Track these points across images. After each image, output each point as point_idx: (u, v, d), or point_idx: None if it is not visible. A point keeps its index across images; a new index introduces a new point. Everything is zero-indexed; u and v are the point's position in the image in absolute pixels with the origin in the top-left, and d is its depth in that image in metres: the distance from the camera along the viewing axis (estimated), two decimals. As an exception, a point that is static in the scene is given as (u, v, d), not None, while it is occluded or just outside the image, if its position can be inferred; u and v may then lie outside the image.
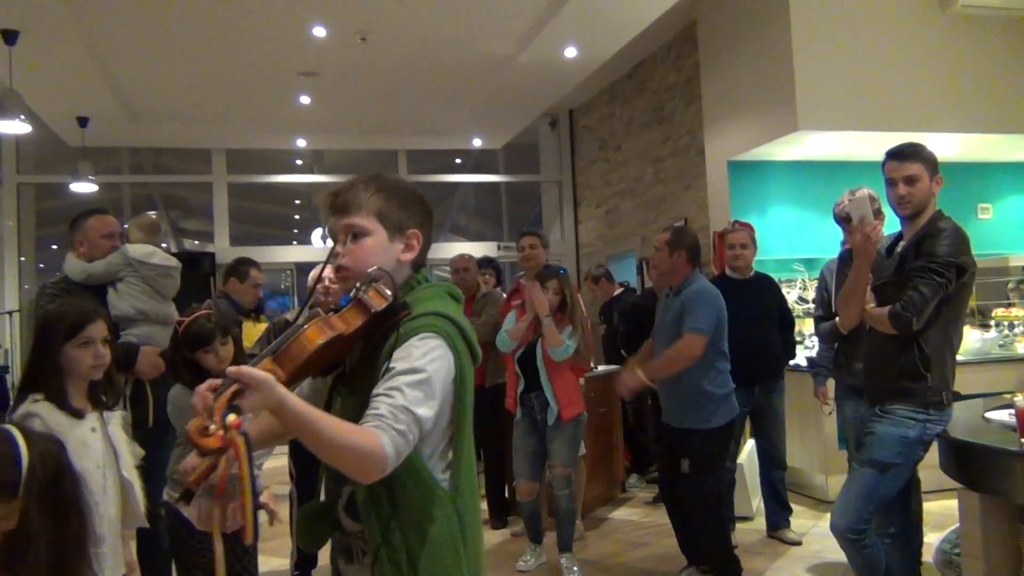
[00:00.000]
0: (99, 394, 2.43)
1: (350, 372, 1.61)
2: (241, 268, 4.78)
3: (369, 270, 1.58)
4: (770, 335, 4.90)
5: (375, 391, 1.47)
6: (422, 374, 1.49)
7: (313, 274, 4.74)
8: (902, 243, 3.08)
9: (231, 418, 1.31)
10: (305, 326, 1.47)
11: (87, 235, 3.62)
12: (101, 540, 2.20)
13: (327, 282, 4.58)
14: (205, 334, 2.85)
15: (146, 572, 3.67)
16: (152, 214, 4.38)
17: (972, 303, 6.50)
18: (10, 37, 6.22)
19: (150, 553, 3.64)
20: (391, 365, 1.49)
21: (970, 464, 2.72)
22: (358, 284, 1.56)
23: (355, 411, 1.50)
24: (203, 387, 1.35)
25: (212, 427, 1.29)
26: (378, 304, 1.52)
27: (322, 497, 1.67)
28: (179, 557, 2.92)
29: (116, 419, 2.53)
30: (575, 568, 4.39)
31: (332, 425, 1.38)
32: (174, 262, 3.88)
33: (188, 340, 2.86)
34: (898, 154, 3.05)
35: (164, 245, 4.23)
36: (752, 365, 4.54)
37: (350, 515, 1.58)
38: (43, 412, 2.25)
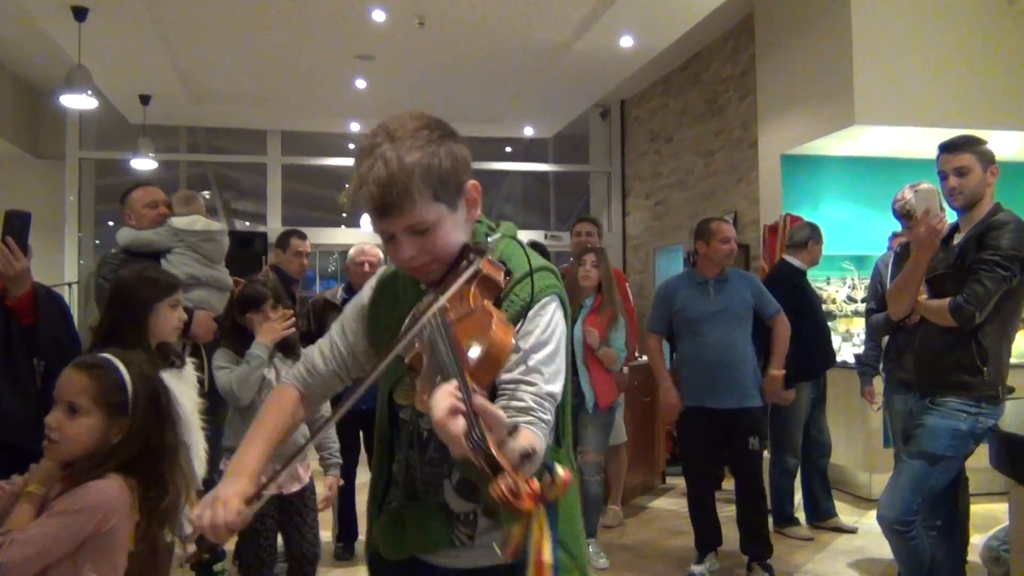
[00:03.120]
0: (169, 356, 2.53)
1: None
2: (283, 238, 4.90)
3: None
4: (824, 326, 5.00)
5: (511, 375, 1.33)
6: (550, 346, 1.38)
7: (357, 252, 4.80)
8: (958, 235, 3.06)
9: (533, 482, 1.08)
10: (494, 329, 1.25)
11: (132, 206, 3.85)
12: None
13: (367, 267, 4.66)
14: (257, 296, 2.99)
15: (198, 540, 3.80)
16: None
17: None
18: (80, 14, 6.40)
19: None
20: (517, 344, 1.32)
21: (1022, 459, 2.69)
22: (470, 257, 1.39)
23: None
24: (461, 431, 1.10)
25: (520, 486, 1.05)
26: (500, 276, 1.37)
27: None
28: (250, 527, 3.02)
29: (189, 379, 2.64)
30: (602, 554, 4.42)
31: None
32: (217, 226, 4.00)
33: (241, 301, 3.02)
34: (949, 146, 3.05)
35: (207, 196, 4.37)
36: (826, 354, 4.71)
37: (462, 495, 1.42)
38: None
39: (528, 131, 10.67)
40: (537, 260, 1.46)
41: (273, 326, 2.94)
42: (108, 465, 1.66)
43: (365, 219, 11.34)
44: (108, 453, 1.67)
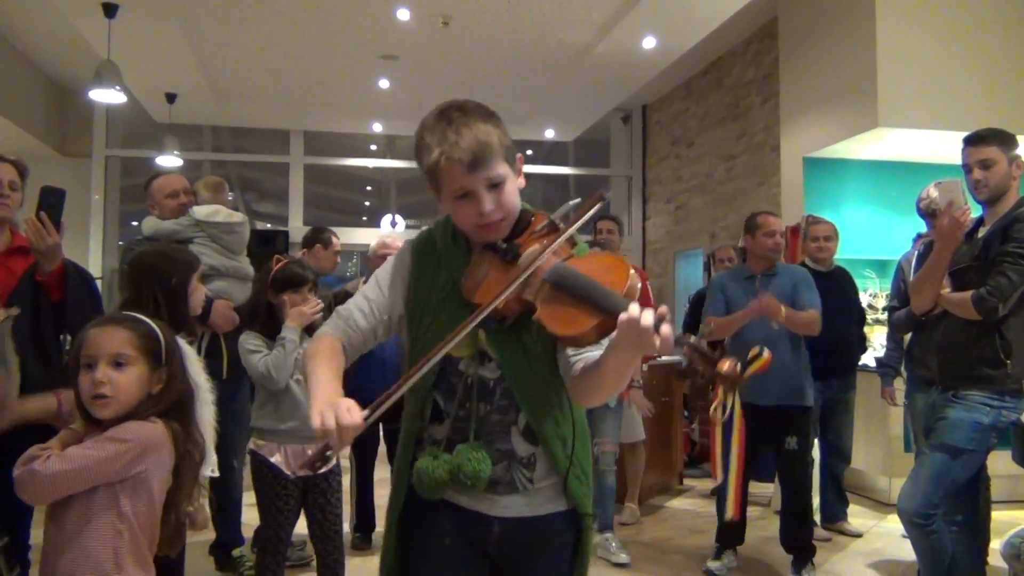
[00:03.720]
0: (192, 332, 2.58)
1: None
2: (323, 235, 4.91)
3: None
4: (851, 328, 4.94)
5: None
6: None
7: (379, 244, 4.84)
8: (983, 229, 3.05)
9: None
10: (619, 260, 1.47)
11: (153, 196, 3.88)
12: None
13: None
14: (299, 276, 3.02)
15: (217, 519, 3.83)
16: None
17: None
18: (110, 10, 6.49)
19: (223, 503, 3.80)
20: None
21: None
22: (551, 220, 1.56)
23: (513, 346, 1.54)
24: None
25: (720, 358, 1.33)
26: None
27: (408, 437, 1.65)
28: (264, 503, 3.05)
29: (197, 363, 2.67)
30: (622, 547, 4.38)
31: None
32: (238, 217, 4.01)
33: (282, 279, 3.02)
34: (973, 139, 3.04)
35: (231, 199, 4.38)
36: (832, 358, 4.56)
37: (527, 439, 1.58)
38: None
39: (549, 134, 10.70)
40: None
41: (303, 310, 2.97)
42: (147, 412, 1.70)
43: (386, 220, 11.44)
44: (150, 405, 1.72)
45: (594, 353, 1.48)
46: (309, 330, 3.05)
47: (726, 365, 1.32)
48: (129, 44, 7.09)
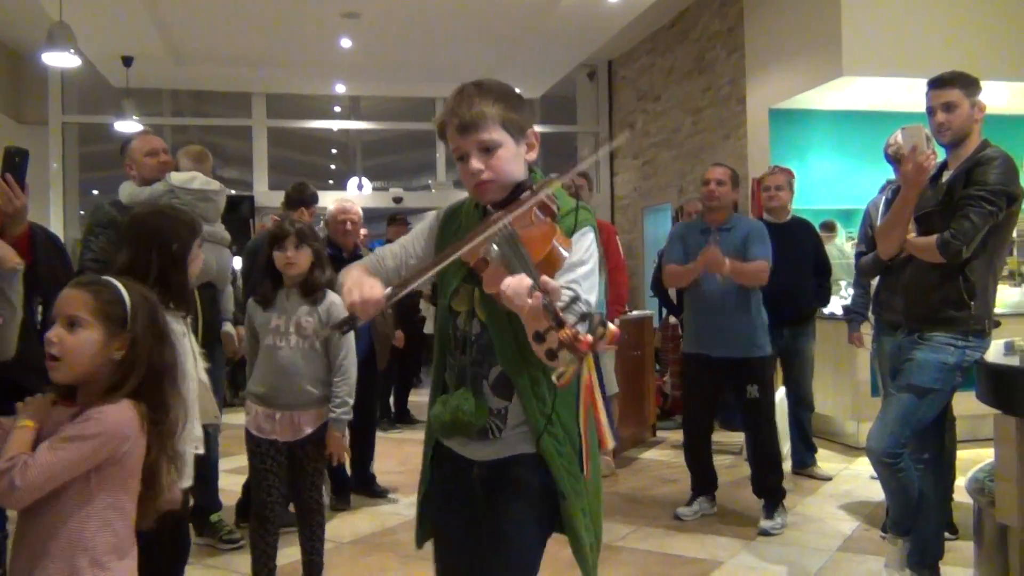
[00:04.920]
0: (188, 304, 2.54)
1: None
2: (312, 197, 4.81)
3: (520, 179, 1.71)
4: (804, 279, 4.97)
5: (559, 281, 1.55)
6: (588, 265, 1.66)
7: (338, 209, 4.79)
8: (947, 172, 3.08)
9: (587, 336, 1.37)
10: (557, 237, 1.56)
11: (133, 156, 3.75)
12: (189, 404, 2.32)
13: (348, 225, 4.67)
14: (281, 233, 3.02)
15: (195, 485, 3.82)
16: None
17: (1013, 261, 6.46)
18: (61, -30, 6.30)
19: (199, 469, 3.79)
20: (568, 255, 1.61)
21: (1007, 388, 2.73)
22: (533, 187, 1.65)
23: (497, 305, 1.61)
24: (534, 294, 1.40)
25: (581, 335, 1.35)
26: (555, 208, 1.64)
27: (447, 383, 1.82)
28: (249, 462, 3.09)
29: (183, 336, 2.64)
30: None
31: None
32: (215, 186, 3.94)
33: (270, 237, 3.08)
34: (936, 82, 3.07)
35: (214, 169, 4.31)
36: (783, 308, 4.60)
37: (497, 393, 1.74)
38: None
39: (516, 91, 10.60)
40: (577, 201, 1.78)
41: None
42: (119, 393, 1.66)
43: (352, 182, 11.33)
44: (116, 377, 1.67)
45: None
46: (305, 288, 3.07)
47: (567, 332, 1.35)
48: (82, 5, 6.89)
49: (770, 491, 4.15)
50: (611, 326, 1.40)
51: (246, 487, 4.29)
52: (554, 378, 1.39)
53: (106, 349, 1.67)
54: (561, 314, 1.38)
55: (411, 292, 1.78)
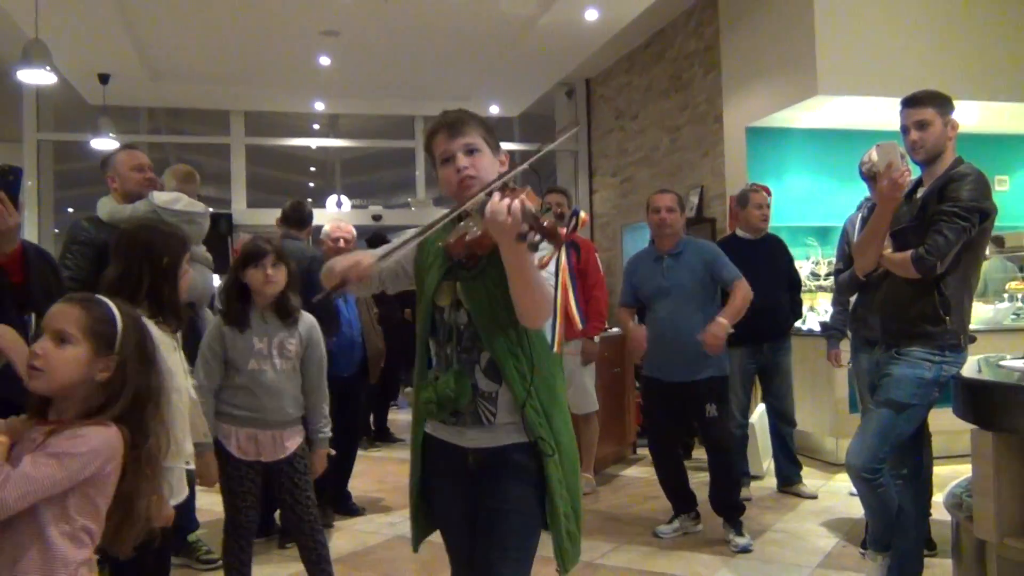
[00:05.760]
0: (181, 316, 2.51)
1: (485, 261, 1.88)
2: (308, 219, 4.82)
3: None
4: (779, 295, 5.00)
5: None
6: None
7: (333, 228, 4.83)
8: (921, 189, 3.12)
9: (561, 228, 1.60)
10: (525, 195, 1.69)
11: (117, 169, 3.66)
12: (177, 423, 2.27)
13: (342, 243, 4.70)
14: (257, 251, 2.98)
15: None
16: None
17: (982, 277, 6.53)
18: (37, -13, 6.26)
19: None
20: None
21: (984, 403, 2.76)
22: (509, 186, 1.78)
23: (479, 294, 1.88)
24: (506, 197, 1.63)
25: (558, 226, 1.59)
26: (535, 206, 1.75)
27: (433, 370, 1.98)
28: (223, 484, 3.02)
29: (173, 351, 2.60)
30: None
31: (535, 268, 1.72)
32: (199, 208, 3.89)
33: (242, 257, 3.01)
34: (910, 101, 3.11)
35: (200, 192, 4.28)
36: (760, 324, 4.61)
37: (488, 376, 1.90)
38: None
39: (494, 110, 10.65)
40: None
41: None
42: (103, 415, 1.64)
43: (331, 200, 11.28)
44: (98, 399, 1.66)
45: None
46: (278, 308, 3.03)
47: (547, 222, 1.57)
48: (58, 22, 6.84)
49: (734, 507, 4.15)
50: (582, 212, 1.62)
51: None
52: (535, 260, 1.65)
53: (90, 368, 1.65)
54: (538, 214, 1.59)
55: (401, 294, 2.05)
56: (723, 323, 3.95)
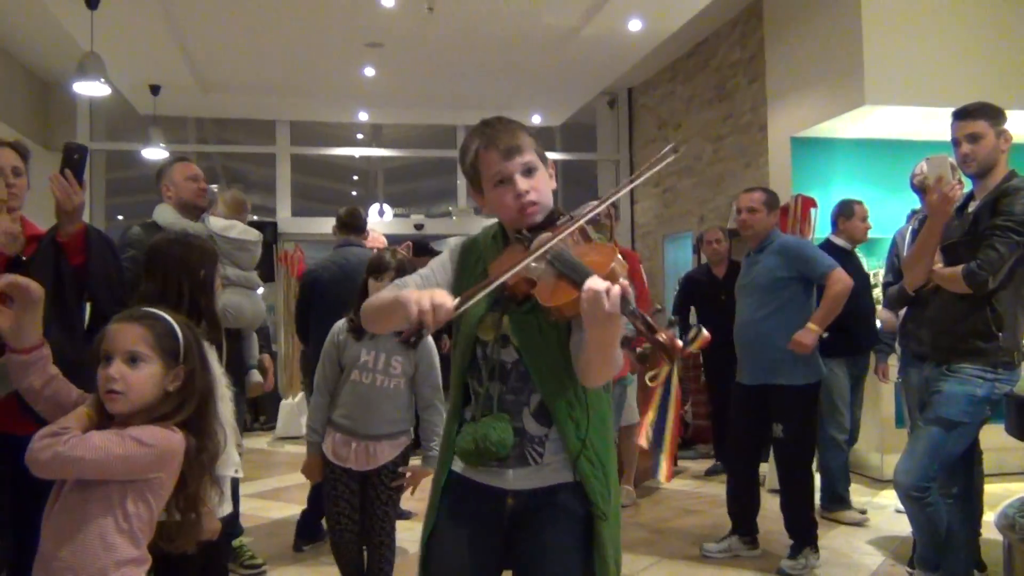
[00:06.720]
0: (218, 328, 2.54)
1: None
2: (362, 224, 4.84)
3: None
4: (872, 306, 4.98)
5: None
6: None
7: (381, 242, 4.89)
8: (973, 203, 3.07)
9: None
10: (617, 259, 1.55)
11: (172, 178, 3.73)
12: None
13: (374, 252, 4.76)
14: (379, 264, 3.09)
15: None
16: (237, 190, 4.53)
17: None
18: (93, 1, 6.41)
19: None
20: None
21: (1039, 422, 2.70)
22: (571, 215, 1.70)
23: (531, 330, 1.71)
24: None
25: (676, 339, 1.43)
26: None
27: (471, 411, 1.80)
28: (324, 487, 3.12)
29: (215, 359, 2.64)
30: None
31: None
32: (253, 236, 3.97)
33: (367, 267, 3.14)
34: (961, 113, 3.06)
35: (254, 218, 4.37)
36: (863, 334, 4.59)
37: (538, 420, 1.74)
38: None
39: (536, 119, 10.66)
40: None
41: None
42: (172, 421, 1.69)
43: (373, 209, 11.40)
44: (166, 407, 1.70)
45: None
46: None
47: (664, 335, 1.41)
48: (112, 36, 6.99)
49: (796, 533, 3.96)
50: (703, 331, 1.51)
51: (306, 510, 4.32)
52: (647, 379, 1.48)
53: (163, 382, 1.71)
54: (650, 319, 1.43)
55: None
56: (811, 329, 3.80)
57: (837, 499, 4.79)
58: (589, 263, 1.54)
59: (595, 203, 1.73)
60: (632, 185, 1.78)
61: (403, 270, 3.03)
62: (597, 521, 1.71)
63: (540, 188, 1.74)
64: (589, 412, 1.72)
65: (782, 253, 3.99)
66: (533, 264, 1.60)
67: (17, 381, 1.80)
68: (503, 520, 1.76)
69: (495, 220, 1.88)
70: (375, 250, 4.90)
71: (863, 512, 4.80)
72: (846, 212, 5.03)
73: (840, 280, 3.82)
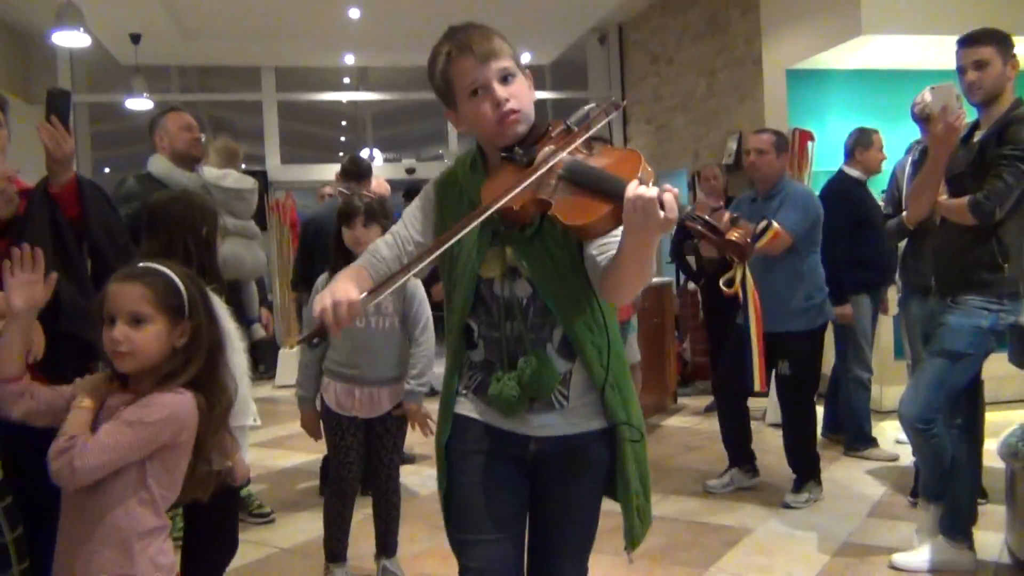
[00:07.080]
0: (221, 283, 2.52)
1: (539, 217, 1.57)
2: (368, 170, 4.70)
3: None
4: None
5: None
6: None
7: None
8: (979, 132, 3.02)
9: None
10: (643, 164, 1.42)
11: (166, 128, 3.68)
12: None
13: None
14: (347, 210, 3.00)
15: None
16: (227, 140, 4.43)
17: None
18: (67, -52, 6.24)
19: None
20: None
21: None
22: (566, 123, 1.57)
23: (540, 258, 1.58)
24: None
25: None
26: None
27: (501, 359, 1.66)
28: (326, 436, 3.10)
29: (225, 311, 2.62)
30: None
31: None
32: (248, 184, 3.92)
33: (337, 215, 3.05)
34: (967, 39, 2.99)
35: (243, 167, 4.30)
36: (885, 267, 4.55)
37: (562, 356, 1.62)
38: None
39: (526, 58, 10.48)
40: None
41: None
42: (178, 380, 1.67)
43: (363, 154, 11.22)
44: (174, 364, 1.68)
45: (615, 247, 1.48)
46: None
47: (735, 234, 1.30)
48: (88, -17, 6.82)
49: (799, 468, 4.03)
50: (774, 223, 1.36)
51: (327, 455, 4.33)
52: (721, 284, 1.41)
53: (169, 339, 1.68)
54: (711, 219, 1.31)
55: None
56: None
57: (864, 438, 4.77)
58: (614, 170, 1.40)
59: (590, 106, 1.59)
60: (576, 143, 1.52)
61: (372, 213, 2.97)
62: (621, 439, 1.64)
63: (520, 95, 1.58)
64: (609, 334, 1.62)
65: (786, 197, 3.92)
66: (543, 181, 1.45)
67: None
68: (526, 463, 1.69)
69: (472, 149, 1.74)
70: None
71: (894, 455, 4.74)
72: (864, 142, 4.79)
73: (777, 239, 3.72)
